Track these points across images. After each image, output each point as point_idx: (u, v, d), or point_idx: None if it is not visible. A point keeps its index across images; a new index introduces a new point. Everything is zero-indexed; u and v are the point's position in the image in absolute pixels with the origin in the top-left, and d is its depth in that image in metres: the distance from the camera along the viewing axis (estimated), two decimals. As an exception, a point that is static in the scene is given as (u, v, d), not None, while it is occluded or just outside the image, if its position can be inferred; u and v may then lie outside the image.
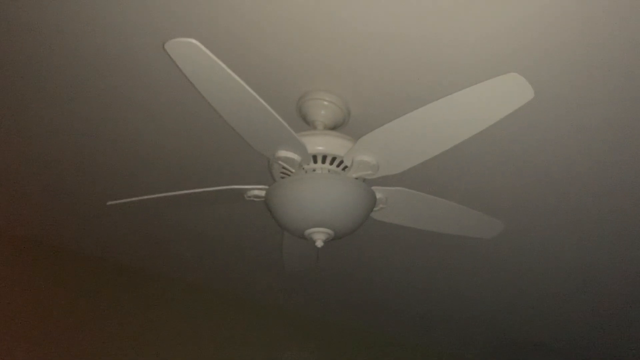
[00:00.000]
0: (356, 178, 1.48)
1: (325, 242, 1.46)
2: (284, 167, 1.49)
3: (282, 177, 1.53)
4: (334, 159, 1.49)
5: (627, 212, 2.12)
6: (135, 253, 2.89)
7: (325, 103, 1.67)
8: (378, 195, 1.56)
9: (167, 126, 1.90)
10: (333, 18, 1.40)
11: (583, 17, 1.32)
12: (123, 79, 1.69)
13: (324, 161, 1.49)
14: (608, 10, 1.30)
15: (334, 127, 1.71)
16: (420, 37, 1.43)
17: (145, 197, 1.63)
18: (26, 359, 2.54)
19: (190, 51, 1.08)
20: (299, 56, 1.53)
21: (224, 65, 1.12)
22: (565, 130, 1.72)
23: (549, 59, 1.46)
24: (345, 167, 1.50)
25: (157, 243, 2.76)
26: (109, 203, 1.68)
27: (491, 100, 1.21)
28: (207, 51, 1.08)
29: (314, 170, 1.49)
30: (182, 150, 2.02)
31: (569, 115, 1.66)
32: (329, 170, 1.49)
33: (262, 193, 1.57)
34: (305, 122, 1.71)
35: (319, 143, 1.48)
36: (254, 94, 1.20)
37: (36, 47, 1.59)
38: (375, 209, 1.58)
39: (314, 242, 1.46)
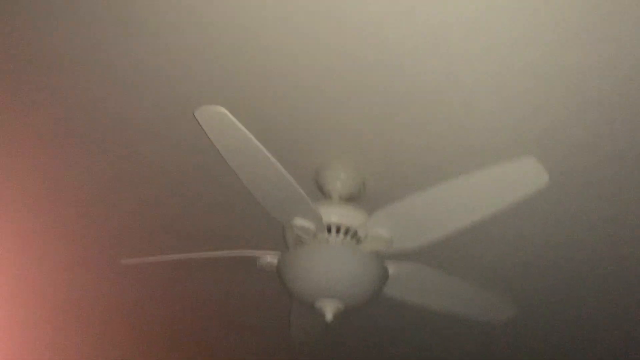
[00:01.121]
0: (370, 251, 1.49)
1: (335, 315, 1.44)
2: (298, 235, 1.50)
3: (296, 245, 1.53)
4: (348, 230, 1.50)
5: None
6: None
7: (342, 175, 1.70)
8: (391, 270, 1.55)
9: (187, 189, 1.94)
10: (355, 93, 1.46)
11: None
12: (149, 144, 1.75)
13: (338, 232, 1.50)
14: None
15: (350, 198, 1.74)
16: (437, 122, 1.48)
17: (159, 257, 1.65)
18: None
19: (218, 118, 1.14)
20: (319, 127, 1.58)
21: (249, 134, 1.17)
22: (575, 220, 1.73)
23: (560, 152, 1.49)
24: (360, 239, 1.51)
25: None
26: (123, 261, 1.70)
27: (505, 184, 1.23)
28: (234, 119, 1.13)
29: (328, 240, 1.50)
30: (199, 215, 2.05)
31: (579, 207, 1.67)
32: (342, 242, 1.50)
33: (274, 260, 1.58)
34: (321, 192, 1.74)
35: (335, 213, 1.50)
36: (277, 162, 1.24)
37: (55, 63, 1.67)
38: (387, 283, 1.57)
39: (323, 315, 1.44)
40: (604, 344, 2.38)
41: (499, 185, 1.24)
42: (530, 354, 2.56)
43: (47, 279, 2.61)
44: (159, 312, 2.81)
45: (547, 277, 2.03)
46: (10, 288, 2.66)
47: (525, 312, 2.24)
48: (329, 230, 1.51)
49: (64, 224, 2.23)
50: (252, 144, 1.20)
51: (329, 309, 1.43)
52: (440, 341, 2.60)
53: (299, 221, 1.44)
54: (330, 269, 1.41)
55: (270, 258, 1.59)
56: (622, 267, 1.91)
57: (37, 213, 2.13)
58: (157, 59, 1.42)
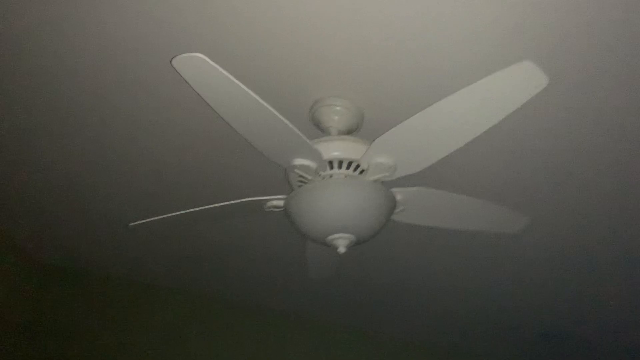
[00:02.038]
0: (374, 181, 1.46)
1: (348, 247, 1.44)
2: (300, 175, 1.48)
3: (300, 186, 1.52)
4: (350, 163, 1.48)
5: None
6: (157, 271, 2.91)
7: (338, 109, 1.66)
8: (398, 197, 1.54)
9: (184, 144, 1.91)
10: (343, 25, 1.39)
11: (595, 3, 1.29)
12: (139, 100, 1.71)
13: (340, 166, 1.48)
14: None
15: (349, 132, 1.70)
16: (430, 38, 1.41)
17: (166, 215, 1.64)
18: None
19: (197, 66, 1.09)
20: (310, 63, 1.52)
21: (232, 78, 1.11)
22: (578, 119, 1.67)
23: (559, 48, 1.42)
24: (362, 170, 1.48)
25: (178, 260, 2.78)
26: (131, 224, 1.69)
27: (505, 91, 1.18)
28: (215, 64, 1.08)
29: (331, 176, 1.48)
30: (201, 167, 2.03)
31: (581, 103, 1.62)
32: (345, 175, 1.48)
33: (281, 203, 1.57)
34: (319, 129, 1.70)
35: (334, 148, 1.47)
36: (265, 104, 1.20)
37: (53, 71, 1.63)
38: (395, 210, 1.56)
39: (336, 248, 1.44)
40: (612, 248, 2.38)
41: (498, 94, 1.19)
42: (538, 264, 2.58)
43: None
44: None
45: (554, 184, 2.00)
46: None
47: (534, 223, 2.22)
48: (331, 165, 1.48)
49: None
50: (238, 89, 1.15)
51: (342, 243, 1.42)
52: (450, 258, 2.62)
53: (299, 161, 1.42)
54: (336, 204, 1.40)
55: (276, 202, 1.58)
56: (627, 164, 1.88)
57: None
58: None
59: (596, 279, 2.68)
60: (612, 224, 2.20)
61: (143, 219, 1.66)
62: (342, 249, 1.43)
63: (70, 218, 2.45)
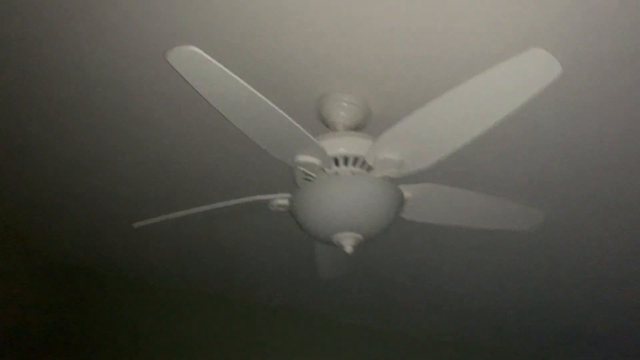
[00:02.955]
0: (381, 177, 1.41)
1: (355, 247, 1.40)
2: (306, 173, 1.44)
3: (305, 183, 1.47)
4: (356, 159, 1.43)
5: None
6: (163, 271, 2.91)
7: (344, 104, 1.61)
8: (406, 194, 1.48)
9: (193, 143, 1.89)
10: (346, 16, 1.34)
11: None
12: (144, 98, 1.69)
13: (346, 163, 1.43)
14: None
15: (356, 128, 1.65)
16: (437, 30, 1.35)
17: (170, 215, 1.62)
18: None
19: (191, 59, 1.05)
20: (315, 57, 1.48)
21: (227, 71, 1.08)
22: (596, 104, 1.59)
23: (571, 34, 1.35)
24: (369, 167, 1.43)
25: (184, 259, 2.77)
26: (136, 224, 1.67)
27: (515, 80, 1.12)
28: (209, 57, 1.04)
29: (337, 173, 1.43)
30: (206, 165, 2.00)
31: (599, 86, 1.54)
32: (352, 172, 1.43)
33: (286, 202, 1.52)
34: (326, 125, 1.65)
35: (339, 144, 1.43)
36: (263, 97, 1.15)
37: (54, 70, 1.62)
38: (404, 208, 1.51)
39: (342, 248, 1.40)
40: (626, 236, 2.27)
41: (507, 83, 1.13)
42: (553, 260, 2.49)
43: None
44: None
45: (569, 176, 1.91)
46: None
47: (548, 220, 2.14)
48: (337, 162, 1.44)
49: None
50: (234, 82, 1.11)
51: (348, 242, 1.38)
52: (458, 257, 2.55)
53: (303, 158, 1.38)
54: (342, 202, 1.35)
55: (281, 200, 1.54)
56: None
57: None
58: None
59: (619, 277, 2.58)
60: (636, 218, 2.10)
61: (149, 218, 1.64)
62: (349, 249, 1.38)
63: (80, 218, 2.45)
